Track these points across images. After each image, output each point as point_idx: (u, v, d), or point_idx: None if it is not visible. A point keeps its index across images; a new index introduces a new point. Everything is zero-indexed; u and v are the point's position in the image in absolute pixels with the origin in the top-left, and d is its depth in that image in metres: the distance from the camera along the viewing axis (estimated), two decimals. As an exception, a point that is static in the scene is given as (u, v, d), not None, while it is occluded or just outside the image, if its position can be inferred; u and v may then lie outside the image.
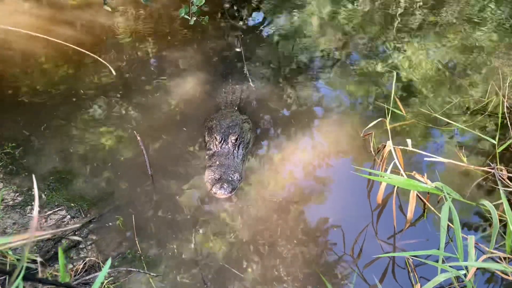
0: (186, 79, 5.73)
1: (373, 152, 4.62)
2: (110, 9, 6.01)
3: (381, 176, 3.58)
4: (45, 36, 2.87)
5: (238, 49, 6.34)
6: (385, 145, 4.36)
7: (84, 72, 5.58)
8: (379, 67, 6.10)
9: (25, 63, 5.76)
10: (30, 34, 5.84)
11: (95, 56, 2.90)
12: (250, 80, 5.69)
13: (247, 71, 5.85)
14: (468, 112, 5.27)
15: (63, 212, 3.83)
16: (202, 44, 6.41)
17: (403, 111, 4.92)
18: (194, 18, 5.19)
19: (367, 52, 6.45)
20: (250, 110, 5.42)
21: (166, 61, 6.05)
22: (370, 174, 4.26)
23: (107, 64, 2.93)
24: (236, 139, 4.55)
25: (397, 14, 7.28)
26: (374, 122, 4.06)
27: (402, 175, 3.62)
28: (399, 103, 4.88)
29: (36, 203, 1.52)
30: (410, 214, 3.62)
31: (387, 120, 3.98)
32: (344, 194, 4.46)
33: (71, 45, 2.94)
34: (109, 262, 1.88)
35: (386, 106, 4.19)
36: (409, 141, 3.91)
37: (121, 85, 5.50)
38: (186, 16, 5.14)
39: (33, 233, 1.42)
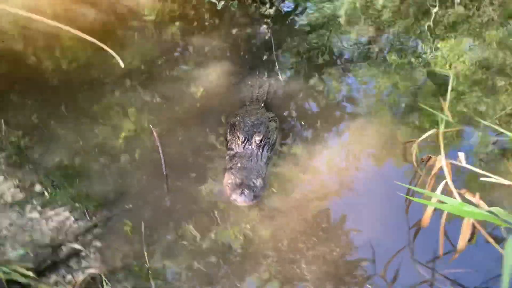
0: (210, 69, 5.28)
1: (415, 164, 4.08)
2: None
3: (424, 197, 3.05)
4: (58, 24, 2.48)
5: (267, 38, 5.83)
6: (430, 157, 3.83)
7: (103, 58, 5.19)
8: (416, 62, 5.50)
9: (44, 45, 5.42)
10: (50, 14, 5.54)
11: (104, 46, 2.49)
12: (279, 73, 5.19)
13: (277, 63, 5.35)
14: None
15: (67, 213, 3.46)
16: (229, 31, 5.93)
17: (450, 117, 4.32)
18: (222, 2, 4.71)
19: (403, 46, 5.85)
20: (276, 104, 4.93)
21: (191, 48, 5.62)
22: (409, 193, 3.72)
23: (115, 55, 2.52)
24: (261, 140, 4.08)
25: (434, 7, 6.57)
26: (428, 133, 3.50)
27: (454, 197, 3.09)
28: (445, 108, 4.30)
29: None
30: (462, 243, 3.10)
31: (440, 130, 3.41)
32: (378, 207, 3.95)
33: (85, 35, 2.54)
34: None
35: (439, 114, 3.60)
36: (461, 154, 3.36)
37: (141, 72, 5.11)
38: (213, 0, 4.65)
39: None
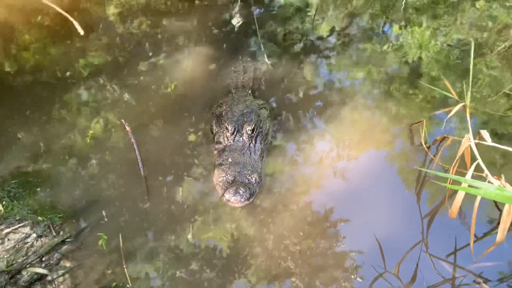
0: (187, 56, 4.77)
1: (424, 146, 3.68)
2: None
3: (448, 182, 2.62)
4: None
5: (247, 20, 5.30)
6: (445, 137, 3.43)
7: (67, 50, 4.64)
8: (388, 48, 5.11)
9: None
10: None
11: (63, 13, 1.97)
12: (265, 55, 4.68)
13: (262, 45, 4.83)
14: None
15: (27, 229, 2.87)
16: (204, 14, 5.38)
17: (454, 94, 3.92)
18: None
19: (375, 33, 5.43)
20: (262, 90, 4.46)
21: (163, 35, 5.06)
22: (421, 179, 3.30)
23: (75, 22, 2.01)
24: (253, 130, 3.59)
25: None
26: (456, 108, 3.05)
27: (490, 182, 2.66)
28: (448, 85, 3.90)
29: None
30: (501, 234, 2.68)
31: (467, 102, 2.96)
32: (385, 198, 3.54)
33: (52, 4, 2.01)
34: None
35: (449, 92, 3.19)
36: (484, 133, 2.94)
37: (110, 64, 4.58)
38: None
39: None
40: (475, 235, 3.20)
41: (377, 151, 3.94)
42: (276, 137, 3.95)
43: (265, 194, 3.43)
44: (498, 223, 3.12)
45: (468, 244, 3.09)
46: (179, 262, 2.97)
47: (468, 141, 2.69)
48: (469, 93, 2.92)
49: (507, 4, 5.64)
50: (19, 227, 2.87)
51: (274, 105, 4.30)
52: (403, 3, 5.76)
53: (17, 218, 2.92)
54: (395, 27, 5.46)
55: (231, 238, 3.15)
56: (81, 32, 2.02)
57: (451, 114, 3.02)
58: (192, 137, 3.91)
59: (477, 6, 5.69)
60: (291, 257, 3.07)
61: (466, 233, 3.21)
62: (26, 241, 2.80)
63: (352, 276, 3.04)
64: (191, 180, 3.55)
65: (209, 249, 3.08)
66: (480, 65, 4.72)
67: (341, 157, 3.86)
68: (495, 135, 3.93)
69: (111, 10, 5.29)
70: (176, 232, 3.14)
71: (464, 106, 2.95)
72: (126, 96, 4.22)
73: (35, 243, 2.80)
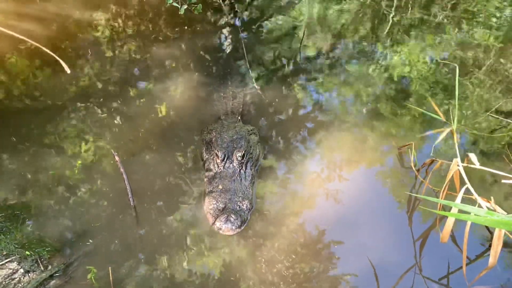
0: (176, 82, 4.77)
1: (413, 169, 3.69)
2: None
3: (438, 207, 2.62)
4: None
5: (236, 46, 5.36)
6: (433, 160, 3.44)
7: (56, 76, 4.59)
8: (376, 68, 5.18)
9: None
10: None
11: (48, 51, 1.97)
12: (253, 81, 4.70)
13: (250, 71, 4.86)
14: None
15: (14, 265, 2.80)
16: (193, 41, 5.42)
17: (442, 116, 3.96)
18: (185, 6, 4.21)
19: (363, 53, 5.52)
20: (252, 116, 4.47)
21: (152, 61, 5.07)
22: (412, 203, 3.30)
23: (60, 60, 2.02)
24: (243, 156, 3.59)
25: (390, 13, 6.28)
26: (444, 134, 3.07)
27: (480, 206, 2.67)
28: (436, 107, 3.94)
29: None
30: (493, 259, 2.68)
31: (454, 127, 3.00)
32: (378, 220, 3.53)
33: (32, 41, 2.01)
34: None
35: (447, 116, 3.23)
36: (472, 156, 2.97)
37: (98, 91, 4.55)
38: (175, 4, 4.15)
39: None
40: (467, 258, 3.20)
41: (368, 172, 3.95)
42: (267, 158, 3.96)
43: (257, 215, 3.42)
44: (490, 245, 3.13)
45: (461, 267, 3.08)
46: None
47: (457, 165, 2.71)
48: (455, 118, 2.95)
49: (490, 23, 5.80)
50: (6, 262, 2.80)
51: (264, 128, 4.31)
52: (388, 24, 5.88)
53: (4, 253, 2.86)
54: (383, 47, 5.55)
55: (223, 262, 3.12)
56: (68, 70, 2.02)
57: (439, 139, 3.05)
58: (182, 165, 3.89)
59: (462, 26, 5.83)
60: (283, 280, 3.04)
61: (459, 255, 3.20)
62: (13, 277, 2.73)
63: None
64: (182, 207, 3.51)
65: (202, 275, 3.03)
66: (467, 83, 4.80)
67: (332, 178, 3.86)
68: (484, 154, 3.98)
69: (101, 36, 5.32)
70: (167, 261, 3.10)
71: (452, 131, 2.98)
72: (115, 123, 4.20)
73: (22, 278, 2.73)
